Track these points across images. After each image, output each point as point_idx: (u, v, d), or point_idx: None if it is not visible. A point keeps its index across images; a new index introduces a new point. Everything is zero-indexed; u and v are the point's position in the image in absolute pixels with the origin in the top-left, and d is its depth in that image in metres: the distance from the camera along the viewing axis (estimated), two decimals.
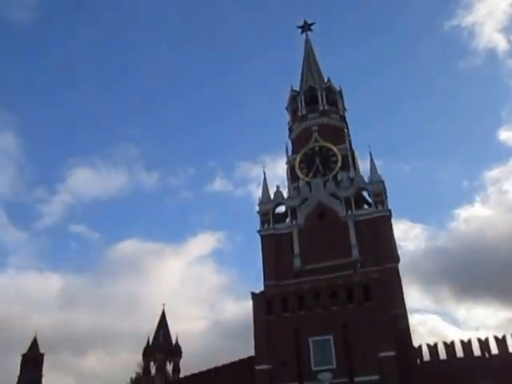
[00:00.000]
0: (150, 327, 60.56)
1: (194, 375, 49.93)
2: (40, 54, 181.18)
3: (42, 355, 66.45)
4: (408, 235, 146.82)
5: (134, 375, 65.40)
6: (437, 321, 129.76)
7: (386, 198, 52.91)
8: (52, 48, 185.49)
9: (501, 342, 39.64)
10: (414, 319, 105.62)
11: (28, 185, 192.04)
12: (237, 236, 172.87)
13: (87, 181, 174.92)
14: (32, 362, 65.09)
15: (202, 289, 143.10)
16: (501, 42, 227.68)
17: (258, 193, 58.39)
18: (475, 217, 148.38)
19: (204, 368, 49.22)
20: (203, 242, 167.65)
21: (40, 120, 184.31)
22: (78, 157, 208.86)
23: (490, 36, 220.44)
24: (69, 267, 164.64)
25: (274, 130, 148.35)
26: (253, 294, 44.20)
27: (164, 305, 61.13)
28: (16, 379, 64.61)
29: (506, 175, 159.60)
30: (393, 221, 53.62)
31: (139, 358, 59.66)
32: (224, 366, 47.39)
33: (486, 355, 39.48)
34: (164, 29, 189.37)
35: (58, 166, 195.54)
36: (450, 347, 40.47)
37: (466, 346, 40.27)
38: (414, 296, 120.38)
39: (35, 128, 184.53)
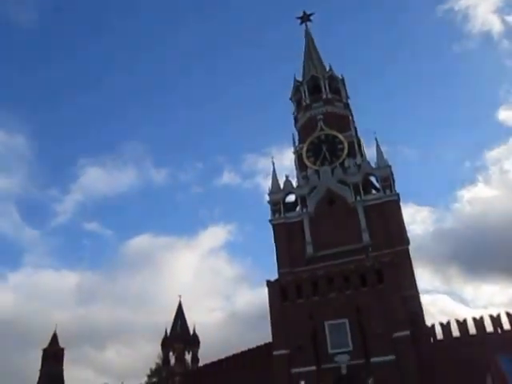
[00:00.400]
0: (167, 319, 61.90)
1: (213, 363, 51.01)
2: (46, 57, 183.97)
3: (62, 350, 67.78)
4: (415, 219, 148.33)
5: (153, 366, 66.64)
6: (446, 300, 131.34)
7: (394, 182, 53.65)
8: (58, 49, 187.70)
9: None
10: (424, 300, 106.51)
11: (41, 185, 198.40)
12: (247, 227, 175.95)
13: (98, 179, 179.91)
14: (53, 357, 66.44)
15: (216, 280, 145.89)
16: (495, 24, 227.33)
17: (265, 184, 59.50)
18: (479, 197, 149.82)
19: (222, 356, 50.44)
20: (215, 235, 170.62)
21: (50, 122, 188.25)
22: (88, 157, 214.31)
23: (485, 18, 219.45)
24: (84, 264, 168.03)
25: (279, 122, 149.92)
26: (268, 281, 45.23)
27: (180, 296, 62.41)
28: (38, 373, 66.03)
29: (507, 155, 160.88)
30: (401, 204, 54.41)
31: (158, 349, 61.10)
32: (242, 353, 48.39)
33: (499, 331, 40.10)
34: (168, 28, 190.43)
35: (69, 166, 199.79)
36: (462, 325, 41.01)
37: (478, 322, 40.85)
38: (423, 277, 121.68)
39: (45, 130, 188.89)
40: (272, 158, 61.70)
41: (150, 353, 76.47)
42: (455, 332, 41.14)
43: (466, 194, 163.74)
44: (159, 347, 60.22)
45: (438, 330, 41.72)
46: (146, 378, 66.09)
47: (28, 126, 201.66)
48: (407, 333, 39.26)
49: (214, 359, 51.42)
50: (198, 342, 59.15)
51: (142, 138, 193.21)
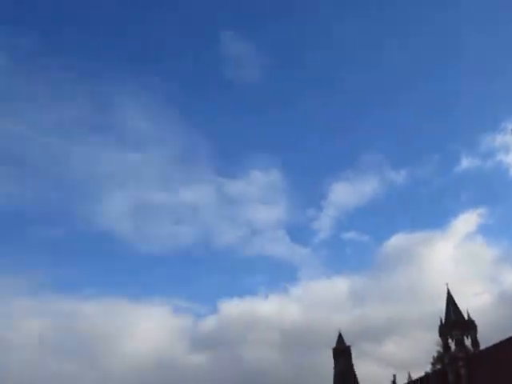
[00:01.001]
0: (436, 308, 64.11)
1: (494, 346, 51.57)
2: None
3: (348, 347, 73.53)
4: None
5: (435, 353, 69.27)
6: None
7: None
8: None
9: None
10: None
11: (300, 208, 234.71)
12: (497, 207, 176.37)
13: (345, 193, 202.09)
14: (341, 354, 72.71)
15: (476, 265, 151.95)
16: None
17: (508, 160, 58.26)
18: None
19: (497, 339, 51.27)
20: (466, 221, 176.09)
21: (296, 155, 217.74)
22: (332, 175, 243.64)
23: None
24: (351, 269, 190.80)
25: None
26: None
27: (447, 284, 64.00)
28: (330, 370, 73.02)
29: None
30: None
31: (433, 337, 63.46)
32: None
33: None
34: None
35: (317, 187, 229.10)
36: None
37: None
38: None
39: (291, 161, 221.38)
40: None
41: (426, 341, 79.55)
42: None
43: None
44: (434, 335, 62.36)
45: None
46: (429, 366, 68.93)
47: (278, 161, 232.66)
48: None
49: (493, 342, 52.26)
50: (475, 326, 59.85)
51: (376, 147, 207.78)
